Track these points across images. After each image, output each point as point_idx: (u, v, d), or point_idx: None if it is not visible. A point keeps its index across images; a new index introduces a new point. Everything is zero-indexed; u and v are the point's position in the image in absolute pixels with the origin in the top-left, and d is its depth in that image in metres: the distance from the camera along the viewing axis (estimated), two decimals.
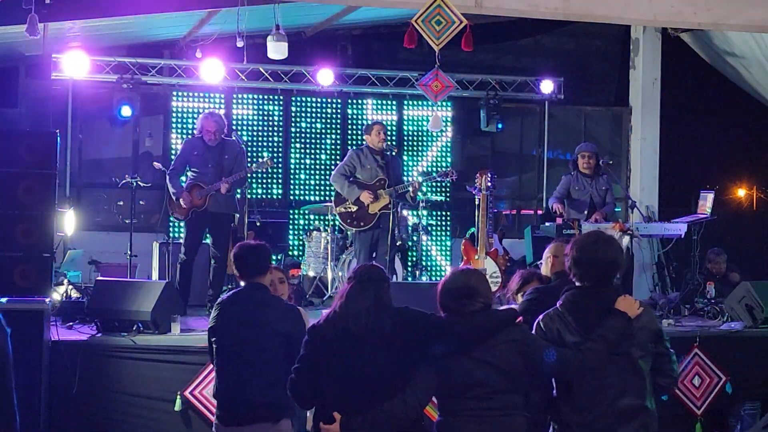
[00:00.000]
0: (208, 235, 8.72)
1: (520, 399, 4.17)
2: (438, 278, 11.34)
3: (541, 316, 4.32)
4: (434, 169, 11.56)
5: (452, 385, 4.12)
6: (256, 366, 4.82)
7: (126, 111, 10.81)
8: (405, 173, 10.41)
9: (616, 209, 11.33)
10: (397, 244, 9.74)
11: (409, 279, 9.88)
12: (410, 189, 8.61)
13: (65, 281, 8.33)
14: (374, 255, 8.71)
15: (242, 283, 5.07)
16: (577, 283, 4.33)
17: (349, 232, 9.56)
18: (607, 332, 4.15)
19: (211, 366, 6.78)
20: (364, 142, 8.99)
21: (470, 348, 4.11)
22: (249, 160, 9.01)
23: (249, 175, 8.73)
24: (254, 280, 4.99)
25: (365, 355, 4.10)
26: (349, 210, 8.68)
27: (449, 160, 12.03)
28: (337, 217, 8.86)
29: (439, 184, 11.81)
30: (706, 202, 9.13)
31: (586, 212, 9.29)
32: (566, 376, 4.19)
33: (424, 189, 10.50)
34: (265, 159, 9.00)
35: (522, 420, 4.18)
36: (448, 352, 4.12)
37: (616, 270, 4.40)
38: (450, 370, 4.12)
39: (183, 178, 8.69)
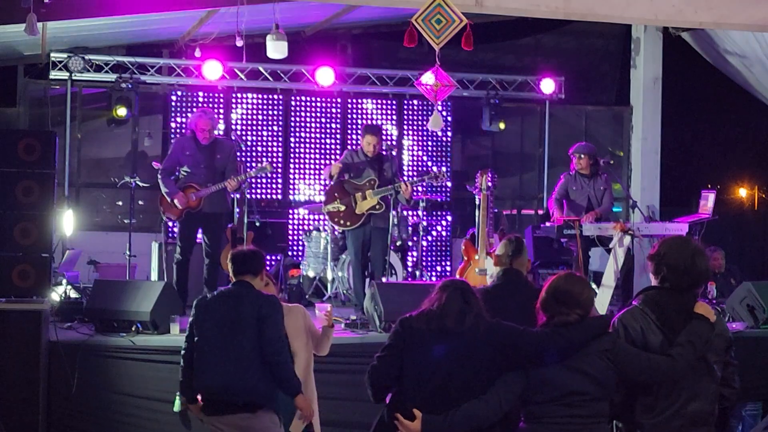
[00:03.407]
0: (202, 235, 8.69)
1: (607, 406, 4.16)
2: (438, 278, 11.37)
3: (620, 313, 4.30)
4: (434, 167, 11.56)
5: (546, 392, 4.10)
6: (232, 358, 4.96)
7: (122, 112, 10.78)
8: (405, 173, 10.39)
9: (617, 209, 11.29)
10: (397, 244, 9.72)
11: (409, 279, 9.84)
12: (401, 191, 8.56)
13: (63, 281, 8.30)
14: (368, 254, 8.70)
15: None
16: (659, 285, 4.29)
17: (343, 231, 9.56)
18: (693, 338, 4.13)
19: None
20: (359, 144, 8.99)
21: (562, 359, 4.12)
22: (242, 161, 8.98)
23: (245, 179, 8.69)
24: (242, 278, 5.19)
25: (456, 355, 4.14)
26: (338, 209, 8.66)
27: (449, 159, 12.01)
28: (326, 216, 8.86)
29: (439, 184, 11.78)
30: (708, 201, 9.10)
31: (584, 213, 9.25)
32: (656, 382, 4.16)
33: (420, 189, 10.48)
34: (264, 164, 8.97)
35: (606, 427, 4.19)
36: (538, 364, 4.13)
37: (707, 281, 4.39)
38: (543, 377, 4.11)
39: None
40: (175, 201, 8.40)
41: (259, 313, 5.00)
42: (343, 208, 8.64)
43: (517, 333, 4.24)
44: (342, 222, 8.68)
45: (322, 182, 11.50)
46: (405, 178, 9.09)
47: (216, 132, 8.83)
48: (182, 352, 5.27)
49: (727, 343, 4.32)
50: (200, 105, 11.25)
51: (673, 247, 4.32)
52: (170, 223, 9.29)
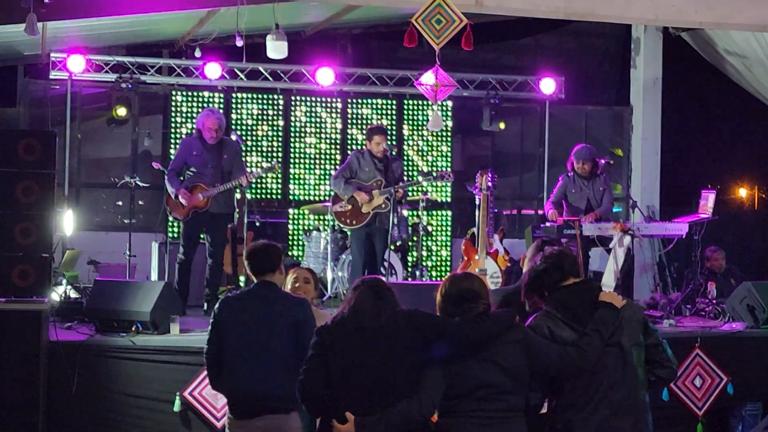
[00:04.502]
0: (205, 235, 8.69)
1: (522, 401, 4.18)
2: (438, 278, 11.37)
3: (530, 319, 4.36)
4: (434, 168, 11.56)
5: (459, 386, 4.12)
6: (266, 360, 4.90)
7: (122, 112, 10.78)
8: (404, 173, 10.38)
9: (617, 209, 11.28)
10: (397, 244, 9.72)
11: (409, 279, 9.84)
12: (397, 192, 8.61)
13: (64, 281, 8.31)
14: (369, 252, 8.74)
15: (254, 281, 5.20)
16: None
17: (348, 231, 9.57)
18: (599, 325, 4.21)
19: None
20: (364, 146, 9.01)
21: (478, 350, 4.12)
22: (247, 160, 9.03)
23: (255, 180, 8.74)
24: (264, 277, 5.10)
25: (379, 352, 4.13)
26: (344, 209, 8.71)
27: (449, 159, 12.01)
28: (333, 216, 8.91)
29: (439, 184, 11.78)
30: (708, 201, 9.09)
31: (583, 214, 9.24)
32: (568, 373, 4.20)
33: (427, 188, 10.53)
34: (272, 164, 9.01)
35: (521, 423, 4.18)
36: (458, 354, 4.13)
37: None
38: (458, 371, 4.12)
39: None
40: (180, 197, 8.39)
41: (296, 318, 4.93)
42: (349, 207, 8.69)
43: (438, 322, 4.24)
44: (348, 221, 8.73)
45: (323, 183, 11.53)
46: (405, 179, 9.14)
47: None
48: (206, 353, 5.10)
49: (641, 326, 4.35)
50: (200, 105, 11.25)
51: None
52: (174, 224, 9.27)
